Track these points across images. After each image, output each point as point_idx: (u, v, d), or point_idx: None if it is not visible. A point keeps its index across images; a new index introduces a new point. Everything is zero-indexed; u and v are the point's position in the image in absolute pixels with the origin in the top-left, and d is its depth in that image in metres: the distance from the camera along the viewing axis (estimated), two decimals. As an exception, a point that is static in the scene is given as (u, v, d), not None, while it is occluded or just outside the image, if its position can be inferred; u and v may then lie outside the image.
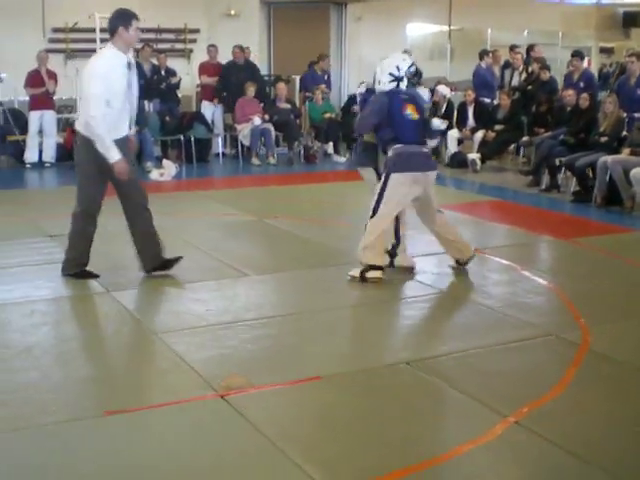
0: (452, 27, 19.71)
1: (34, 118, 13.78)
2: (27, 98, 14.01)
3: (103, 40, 15.00)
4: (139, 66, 14.45)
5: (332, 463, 3.72)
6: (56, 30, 15.82)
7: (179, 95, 15.09)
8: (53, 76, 13.91)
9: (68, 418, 4.17)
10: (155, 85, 14.50)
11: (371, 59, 17.86)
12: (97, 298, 6.29)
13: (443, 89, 14.57)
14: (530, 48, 15.41)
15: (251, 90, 14.34)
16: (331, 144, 15.03)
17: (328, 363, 4.95)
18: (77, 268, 6.66)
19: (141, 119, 13.31)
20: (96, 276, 6.62)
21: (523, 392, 4.52)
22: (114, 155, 6.19)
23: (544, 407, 4.32)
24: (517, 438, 3.97)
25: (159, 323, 5.60)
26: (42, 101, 13.79)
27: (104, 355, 5.10)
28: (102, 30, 15.10)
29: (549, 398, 4.42)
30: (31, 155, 13.84)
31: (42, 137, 13.93)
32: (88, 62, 6.35)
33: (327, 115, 14.99)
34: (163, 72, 14.56)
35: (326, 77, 16.20)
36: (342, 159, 14.65)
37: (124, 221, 6.65)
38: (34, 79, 13.75)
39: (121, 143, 6.30)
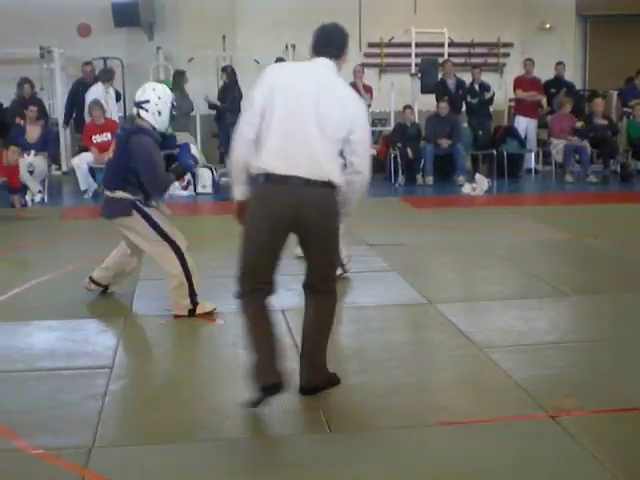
0: None
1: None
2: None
3: (418, 55, 15.41)
4: (443, 81, 14.62)
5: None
6: (371, 45, 16.39)
7: (491, 109, 15.05)
8: (369, 90, 14.41)
9: (399, 425, 4.26)
10: (460, 100, 14.57)
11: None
12: (420, 309, 6.35)
13: None
14: None
15: (567, 106, 14.04)
16: (652, 163, 14.33)
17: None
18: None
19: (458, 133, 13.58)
20: None
21: None
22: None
23: None
24: None
25: (482, 338, 5.56)
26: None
27: (430, 365, 5.17)
28: (418, 45, 15.50)
29: None
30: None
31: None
32: (343, 95, 4.34)
33: (647, 133, 14.31)
34: (477, 87, 14.59)
35: (646, 92, 15.50)
36: (664, 180, 13.92)
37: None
38: (349, 92, 14.29)
39: None
